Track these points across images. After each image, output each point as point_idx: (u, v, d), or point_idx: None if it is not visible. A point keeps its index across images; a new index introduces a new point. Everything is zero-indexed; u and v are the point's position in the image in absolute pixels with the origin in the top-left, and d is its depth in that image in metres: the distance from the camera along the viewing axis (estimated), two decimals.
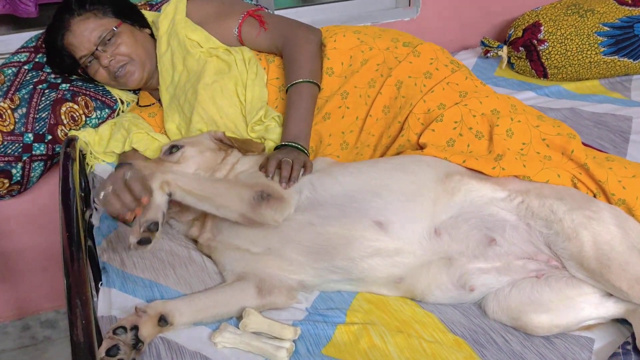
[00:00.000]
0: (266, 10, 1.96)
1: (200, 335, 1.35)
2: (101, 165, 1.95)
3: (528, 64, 2.37)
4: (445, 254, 1.45)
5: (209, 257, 1.59)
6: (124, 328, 1.28)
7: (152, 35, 2.00)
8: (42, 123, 1.94)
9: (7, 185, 2.00)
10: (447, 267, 1.45)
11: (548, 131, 1.61)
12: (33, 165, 1.99)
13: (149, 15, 2.05)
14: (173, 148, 1.67)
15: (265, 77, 1.86)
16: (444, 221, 1.47)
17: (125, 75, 1.90)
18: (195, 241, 1.64)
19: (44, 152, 1.97)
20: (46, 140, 1.96)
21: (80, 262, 1.04)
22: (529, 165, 1.54)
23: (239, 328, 1.35)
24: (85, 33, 1.86)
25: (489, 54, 2.46)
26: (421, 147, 1.67)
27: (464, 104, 1.67)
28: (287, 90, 1.77)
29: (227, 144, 1.71)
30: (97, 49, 1.87)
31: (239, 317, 1.40)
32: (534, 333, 1.38)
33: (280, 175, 1.53)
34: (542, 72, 2.36)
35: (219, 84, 1.83)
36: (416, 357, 1.31)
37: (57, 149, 1.99)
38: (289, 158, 1.58)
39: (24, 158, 1.96)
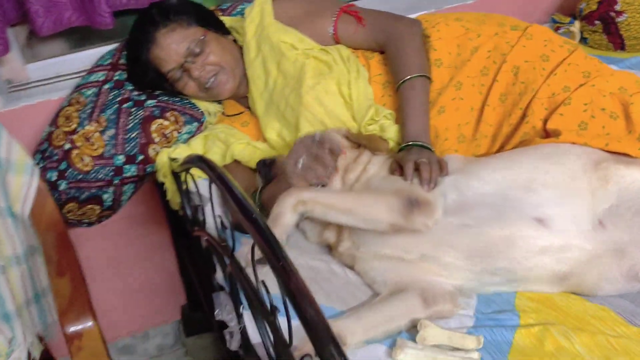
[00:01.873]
0: (357, 5, 1.88)
1: (377, 354, 1.27)
2: (198, 181, 1.86)
3: (605, 37, 2.31)
4: (612, 245, 1.39)
5: (349, 266, 1.52)
6: (310, 356, 1.21)
7: (234, 41, 1.91)
8: (133, 143, 1.84)
9: (99, 211, 1.91)
10: (617, 259, 1.39)
11: None
12: (124, 189, 1.90)
13: (226, 20, 1.96)
14: None
15: (366, 74, 1.78)
16: (604, 211, 1.41)
17: (218, 86, 1.81)
18: (328, 246, 1.57)
19: (135, 174, 1.87)
20: (137, 161, 1.86)
21: (288, 260, 0.99)
22: None
23: (415, 342, 1.28)
24: (173, 45, 1.77)
25: (560, 30, 2.39)
26: (548, 134, 1.61)
27: (591, 84, 1.61)
28: (397, 87, 1.69)
29: (353, 141, 1.63)
30: (186, 61, 1.77)
31: (407, 330, 1.33)
32: None
33: (421, 178, 1.46)
34: (619, 45, 2.30)
35: (322, 86, 1.74)
36: (607, 355, 1.25)
37: (149, 169, 1.89)
38: (423, 158, 1.51)
39: (115, 181, 1.86)
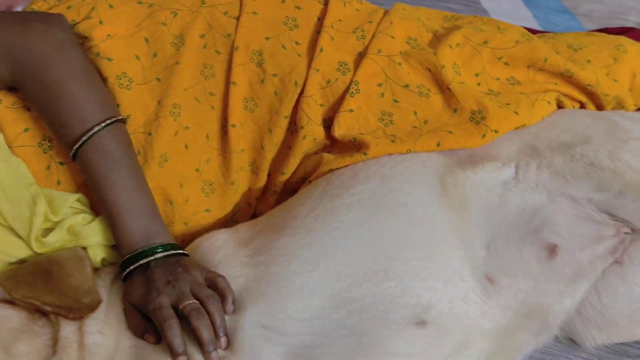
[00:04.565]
0: None
1: None
2: None
3: None
4: (515, 305, 0.91)
5: None
6: None
7: None
8: None
9: None
10: (525, 320, 0.92)
11: (502, 44, 1.08)
12: None
13: None
14: None
15: (0, 137, 0.94)
16: (485, 258, 0.92)
17: None
18: None
19: None
20: None
21: None
22: (517, 107, 1.02)
23: None
24: None
25: None
26: (335, 142, 1.03)
27: (374, 50, 1.02)
28: (73, 156, 0.91)
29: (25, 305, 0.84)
30: None
31: None
32: None
33: (200, 341, 0.79)
34: None
35: None
36: None
37: None
38: (182, 290, 0.83)
39: None
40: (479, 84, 1.06)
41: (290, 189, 1.06)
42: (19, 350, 0.80)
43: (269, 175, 1.06)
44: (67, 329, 0.83)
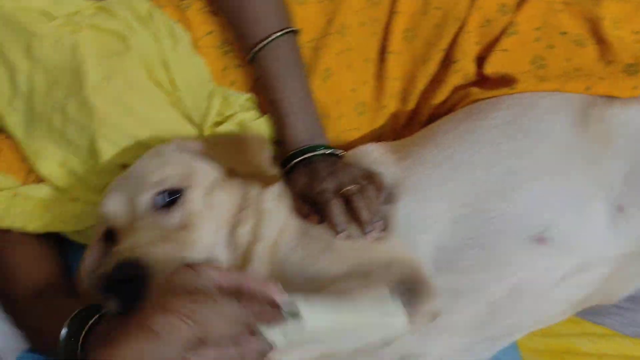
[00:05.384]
0: None
1: None
2: None
3: None
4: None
5: None
6: None
7: None
8: None
9: None
10: None
11: None
12: None
13: None
14: (167, 194, 0.88)
15: (188, 36, 1.07)
16: (620, 188, 0.94)
17: None
18: None
19: None
20: None
21: None
22: None
23: None
24: None
25: None
26: (485, 80, 1.08)
27: None
28: (251, 58, 1.02)
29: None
30: None
31: None
32: None
33: (361, 221, 0.88)
34: None
35: (120, 77, 1.00)
36: None
37: None
38: (342, 179, 0.92)
39: None
40: (638, 42, 1.07)
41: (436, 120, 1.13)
42: (219, 197, 0.91)
43: (417, 104, 1.13)
44: (253, 190, 0.93)
